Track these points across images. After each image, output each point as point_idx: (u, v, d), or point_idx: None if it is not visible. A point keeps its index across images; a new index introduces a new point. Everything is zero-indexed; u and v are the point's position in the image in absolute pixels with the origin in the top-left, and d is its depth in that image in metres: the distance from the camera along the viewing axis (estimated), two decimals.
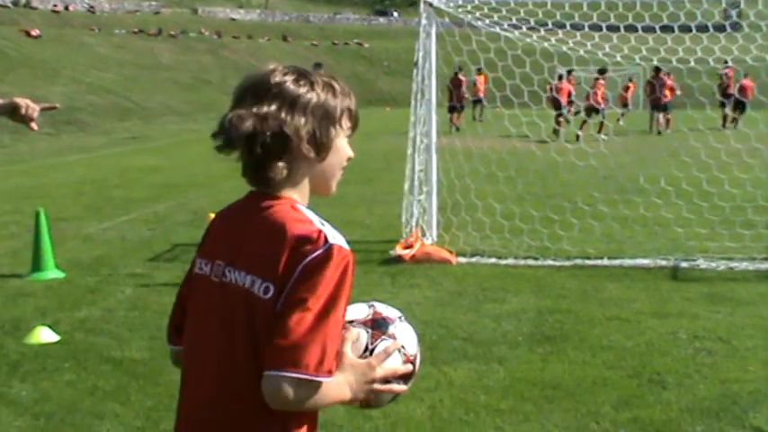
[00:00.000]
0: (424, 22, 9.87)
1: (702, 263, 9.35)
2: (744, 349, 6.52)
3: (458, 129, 27.00)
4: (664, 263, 9.36)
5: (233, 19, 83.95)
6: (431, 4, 9.79)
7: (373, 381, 2.17)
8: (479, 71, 28.94)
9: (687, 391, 5.64)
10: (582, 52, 10.63)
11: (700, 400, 5.50)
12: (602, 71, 28.01)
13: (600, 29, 10.31)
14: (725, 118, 29.43)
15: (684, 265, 9.31)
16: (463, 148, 11.59)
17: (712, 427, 5.09)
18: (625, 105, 35.36)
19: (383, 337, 2.22)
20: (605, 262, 9.36)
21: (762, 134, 11.67)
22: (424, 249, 9.51)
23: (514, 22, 9.91)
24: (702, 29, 11.24)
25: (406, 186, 10.01)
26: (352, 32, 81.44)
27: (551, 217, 10.65)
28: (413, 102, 9.83)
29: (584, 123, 25.43)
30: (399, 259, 9.32)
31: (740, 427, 5.10)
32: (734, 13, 12.93)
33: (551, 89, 24.58)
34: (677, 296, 8.10)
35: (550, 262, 9.41)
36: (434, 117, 10.26)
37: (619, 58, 10.96)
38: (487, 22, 9.84)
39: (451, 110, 29.02)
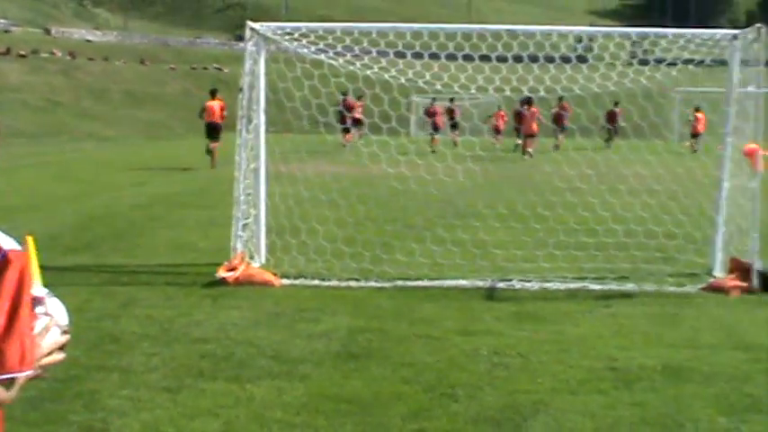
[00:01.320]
0: (251, 48, 10.04)
1: (517, 283, 9.81)
2: (537, 363, 6.91)
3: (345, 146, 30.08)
4: (481, 284, 9.77)
5: (88, 40, 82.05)
6: (257, 31, 9.98)
7: (41, 357, 2.33)
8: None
9: (476, 403, 5.94)
10: (387, 77, 11.03)
11: (485, 410, 5.81)
12: (529, 101, 33.68)
13: (421, 56, 10.74)
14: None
15: (501, 285, 9.74)
16: (288, 173, 11.81)
17: None
18: (498, 132, 39.21)
19: (40, 316, 2.40)
20: (425, 283, 9.71)
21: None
22: (247, 272, 9.63)
23: (339, 49, 10.22)
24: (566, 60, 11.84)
25: (234, 210, 10.15)
26: (212, 57, 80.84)
27: (374, 240, 10.97)
28: (238, 126, 10.00)
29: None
30: (224, 281, 9.41)
31: None
32: (580, 47, 13.66)
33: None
34: (488, 315, 8.47)
35: (372, 283, 9.68)
36: (263, 142, 10.43)
37: (439, 86, 11.39)
38: (313, 49, 10.11)
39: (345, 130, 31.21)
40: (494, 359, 6.98)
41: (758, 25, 10.04)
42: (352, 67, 10.32)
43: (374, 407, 5.82)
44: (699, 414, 5.83)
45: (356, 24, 10.08)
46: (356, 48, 10.38)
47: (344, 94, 30.07)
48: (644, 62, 11.85)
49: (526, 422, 5.60)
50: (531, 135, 33.88)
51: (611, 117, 31.65)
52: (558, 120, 37.07)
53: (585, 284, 9.83)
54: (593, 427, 5.55)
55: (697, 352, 7.32)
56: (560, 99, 37.54)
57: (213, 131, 26.75)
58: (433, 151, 26.95)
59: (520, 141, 35.19)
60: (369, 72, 10.52)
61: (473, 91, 12.11)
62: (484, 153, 22.72)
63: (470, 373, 6.61)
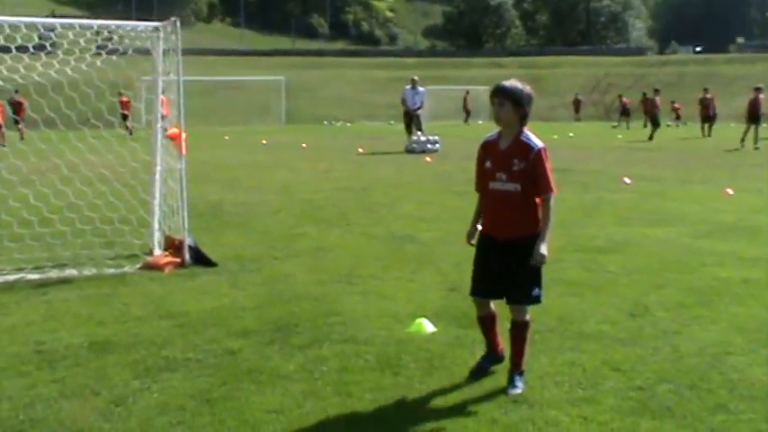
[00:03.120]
0: None
1: None
2: None
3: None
4: None
5: None
6: None
7: None
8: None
9: None
10: None
11: None
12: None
13: None
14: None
15: None
16: None
17: None
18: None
19: None
20: None
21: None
22: None
23: None
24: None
25: None
26: None
27: None
28: None
29: None
30: None
31: None
32: (52, 34, 13.24)
33: None
34: None
35: None
36: None
37: None
38: None
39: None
40: None
41: (174, 18, 10.72)
42: None
43: None
44: (116, 380, 6.27)
45: None
46: None
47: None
48: (100, 50, 11.89)
49: None
50: None
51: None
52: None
53: (24, 275, 9.84)
54: (9, 408, 5.70)
55: (124, 325, 7.79)
56: (16, 91, 37.72)
57: None
58: None
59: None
60: None
61: None
62: None
63: None
